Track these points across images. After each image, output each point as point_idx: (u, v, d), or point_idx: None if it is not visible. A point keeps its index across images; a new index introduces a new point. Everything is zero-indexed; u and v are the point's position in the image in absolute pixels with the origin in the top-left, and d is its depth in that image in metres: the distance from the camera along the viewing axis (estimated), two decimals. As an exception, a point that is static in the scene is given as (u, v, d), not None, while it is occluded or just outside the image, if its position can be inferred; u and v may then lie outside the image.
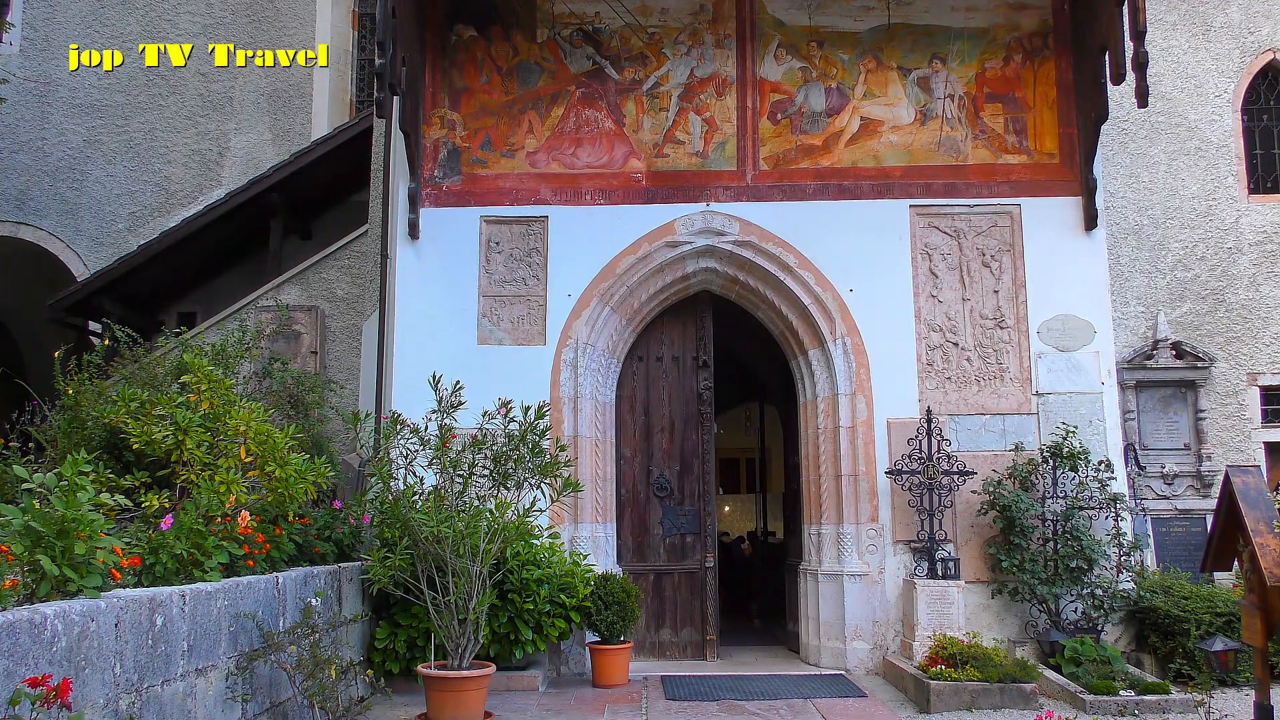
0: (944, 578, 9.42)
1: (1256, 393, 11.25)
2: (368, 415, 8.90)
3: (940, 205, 10.56)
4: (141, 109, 14.73)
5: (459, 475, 7.79)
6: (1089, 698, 8.05)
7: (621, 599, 9.19)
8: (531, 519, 8.02)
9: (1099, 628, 9.56)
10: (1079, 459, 9.77)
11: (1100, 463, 9.89)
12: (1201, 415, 11.12)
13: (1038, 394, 10.26)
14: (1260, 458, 10.93)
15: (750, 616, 14.40)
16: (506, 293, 10.55)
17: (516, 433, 7.89)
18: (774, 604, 12.99)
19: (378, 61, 9.10)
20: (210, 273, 14.50)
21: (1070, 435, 9.85)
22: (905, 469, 9.71)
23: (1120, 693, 8.15)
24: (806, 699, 8.59)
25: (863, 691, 8.90)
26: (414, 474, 7.92)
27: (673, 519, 10.82)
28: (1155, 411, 11.25)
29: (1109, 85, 9.89)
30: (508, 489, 7.91)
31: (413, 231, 10.50)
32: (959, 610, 9.29)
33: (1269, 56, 11.89)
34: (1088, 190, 10.36)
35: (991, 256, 10.49)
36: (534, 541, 8.91)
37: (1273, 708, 5.72)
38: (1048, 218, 10.45)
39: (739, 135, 10.77)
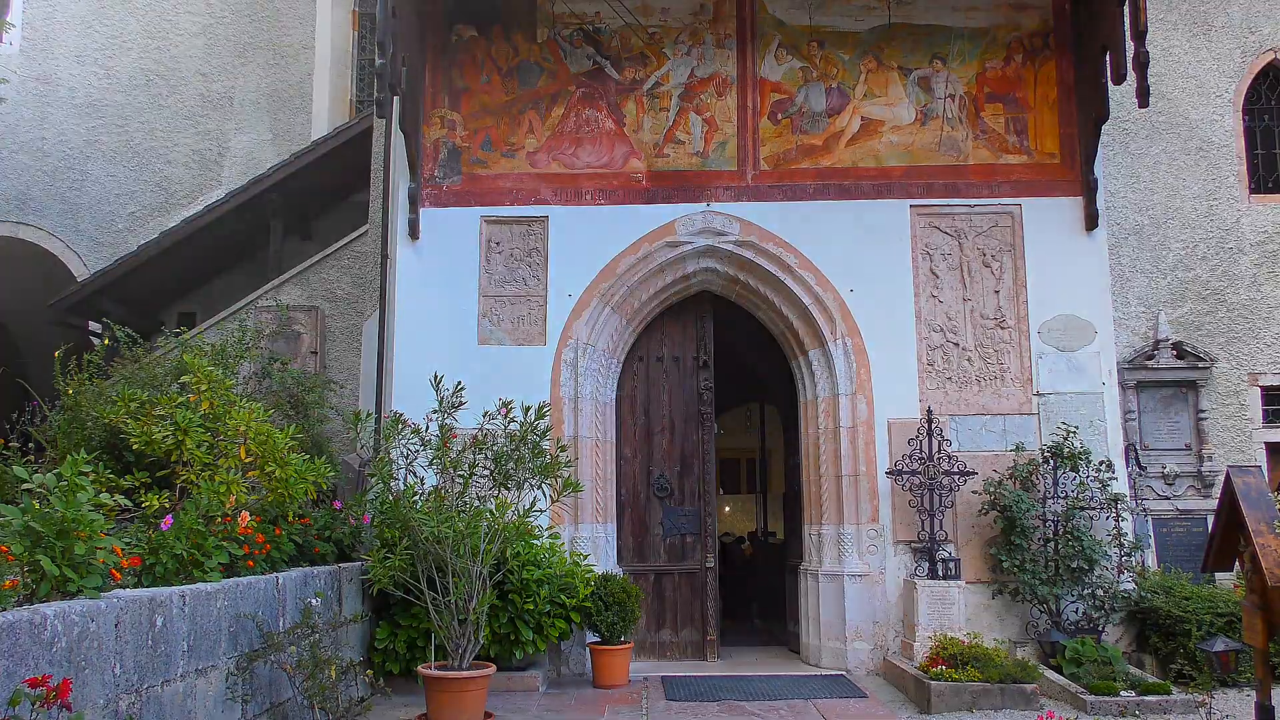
0: (945, 578, 9.40)
1: (1258, 393, 11.23)
2: (368, 415, 8.93)
3: (941, 205, 10.55)
4: (142, 109, 14.74)
5: (459, 476, 7.81)
6: (1090, 698, 8.04)
7: (622, 599, 9.18)
8: (532, 519, 8.07)
9: (1100, 628, 9.56)
10: (1080, 459, 9.77)
11: (1101, 463, 9.88)
12: (1203, 415, 11.10)
13: (1038, 394, 10.26)
14: (1261, 458, 10.91)
15: (751, 617, 14.39)
16: (507, 293, 10.55)
17: (517, 433, 7.90)
18: (774, 604, 12.99)
19: (378, 61, 9.11)
20: (210, 273, 14.51)
21: (1071, 436, 9.85)
22: (906, 469, 9.68)
23: (1121, 693, 8.14)
24: (807, 700, 8.58)
25: (863, 692, 8.89)
26: (414, 474, 7.94)
27: (673, 519, 10.82)
28: (1156, 412, 11.23)
29: (1110, 85, 9.89)
30: (508, 489, 7.93)
31: (413, 231, 10.51)
32: (960, 611, 9.27)
33: (1270, 56, 11.86)
34: (1088, 190, 10.36)
35: (992, 256, 10.49)
36: (534, 542, 8.91)
37: (1273, 708, 5.70)
38: (1048, 218, 10.45)
39: (739, 135, 10.76)
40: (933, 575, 9.48)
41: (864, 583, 9.99)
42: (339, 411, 10.35)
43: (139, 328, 9.62)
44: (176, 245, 13.24)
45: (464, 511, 7.67)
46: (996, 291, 10.44)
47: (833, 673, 9.81)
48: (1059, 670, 8.90)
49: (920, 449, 9.63)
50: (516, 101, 10.84)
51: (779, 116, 10.80)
